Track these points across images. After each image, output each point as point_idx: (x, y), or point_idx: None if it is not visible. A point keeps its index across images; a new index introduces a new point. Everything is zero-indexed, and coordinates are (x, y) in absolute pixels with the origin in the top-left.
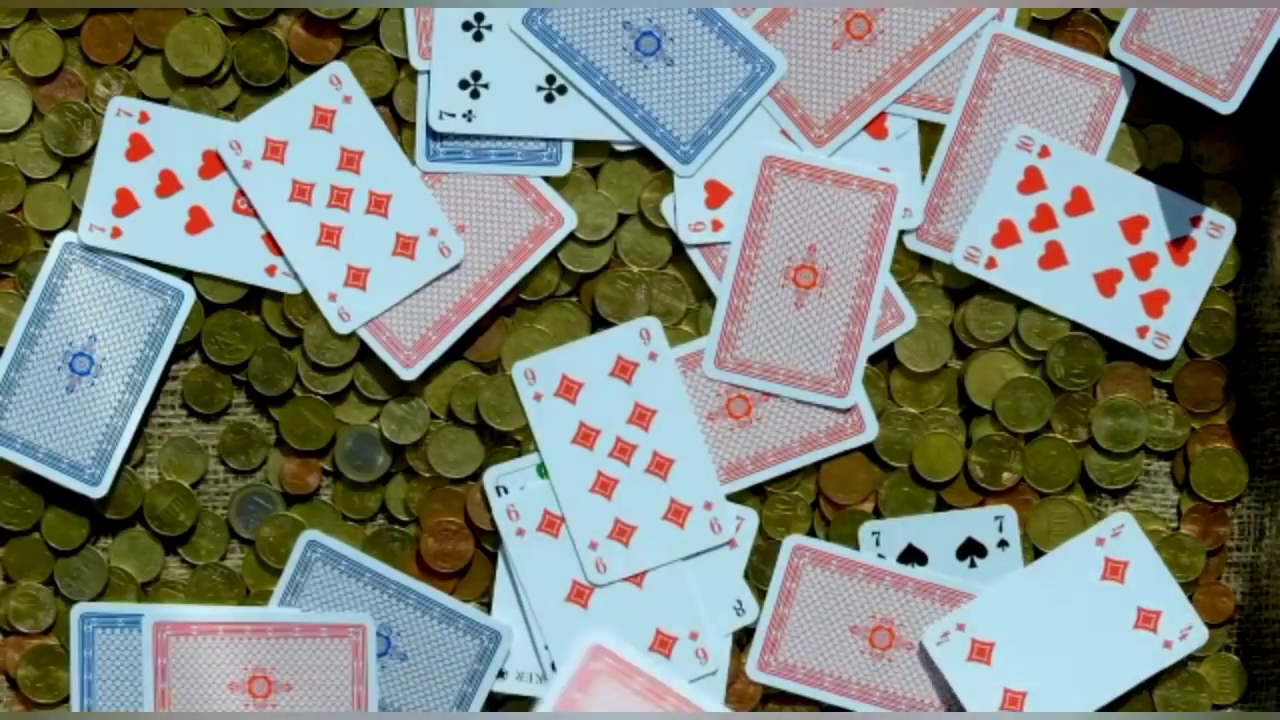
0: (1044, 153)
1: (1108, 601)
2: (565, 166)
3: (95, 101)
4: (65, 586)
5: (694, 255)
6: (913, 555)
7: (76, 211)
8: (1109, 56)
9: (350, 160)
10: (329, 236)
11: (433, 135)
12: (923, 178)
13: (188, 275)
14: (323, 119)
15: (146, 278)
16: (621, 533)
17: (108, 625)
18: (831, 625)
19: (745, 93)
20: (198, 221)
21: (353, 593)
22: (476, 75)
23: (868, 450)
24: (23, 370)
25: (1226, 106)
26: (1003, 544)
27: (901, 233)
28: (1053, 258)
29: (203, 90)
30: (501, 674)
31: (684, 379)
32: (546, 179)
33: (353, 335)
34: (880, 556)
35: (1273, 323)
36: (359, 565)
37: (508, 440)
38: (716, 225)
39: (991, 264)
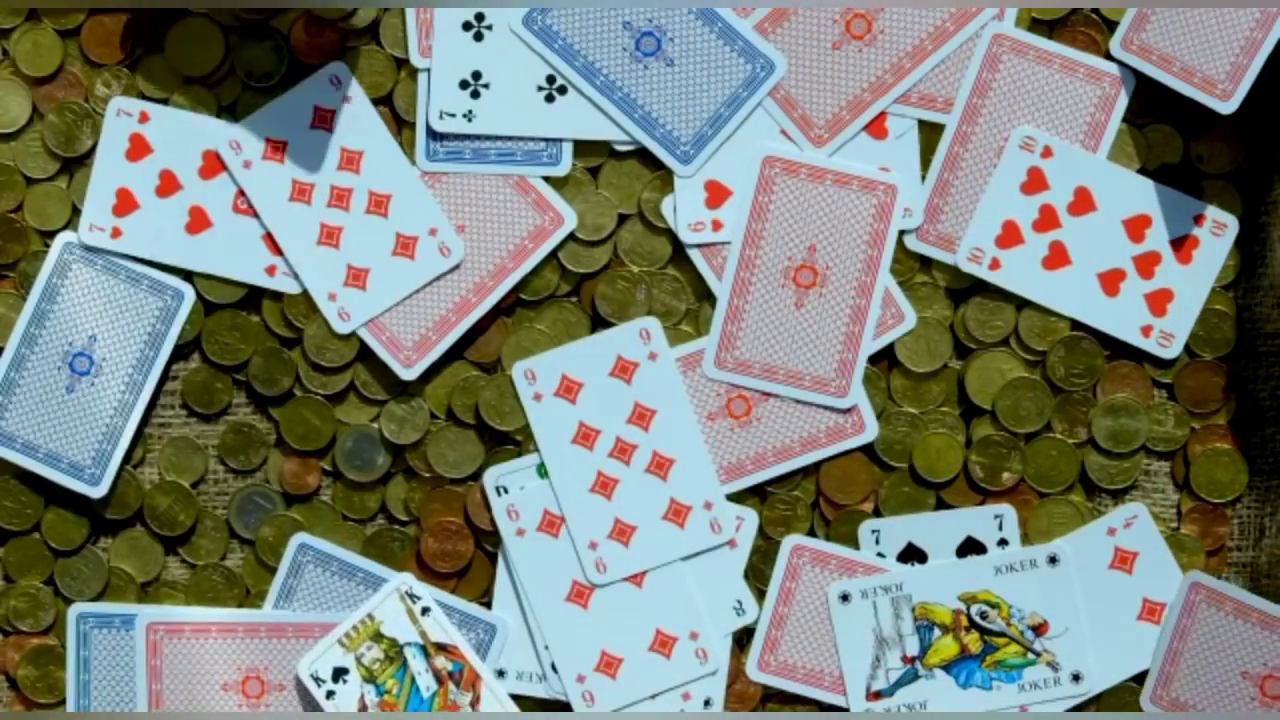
0: (1046, 153)
1: (1113, 591)
2: (565, 166)
3: (95, 101)
4: (65, 586)
5: (694, 255)
6: (912, 554)
7: (76, 211)
8: (1109, 56)
9: (350, 160)
10: (329, 236)
11: (433, 135)
12: (923, 178)
13: (188, 275)
14: (323, 119)
15: (146, 278)
16: (621, 533)
17: (104, 625)
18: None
19: (745, 93)
20: (198, 221)
21: (347, 594)
22: (477, 75)
23: (868, 450)
24: (23, 370)
25: (1226, 106)
26: (1002, 543)
27: (901, 233)
28: (1056, 258)
29: (203, 90)
30: (501, 674)
31: (684, 379)
32: (546, 179)
33: (353, 335)
34: (880, 555)
35: (1273, 323)
36: (351, 566)
37: (508, 440)
38: (716, 225)
39: (995, 265)
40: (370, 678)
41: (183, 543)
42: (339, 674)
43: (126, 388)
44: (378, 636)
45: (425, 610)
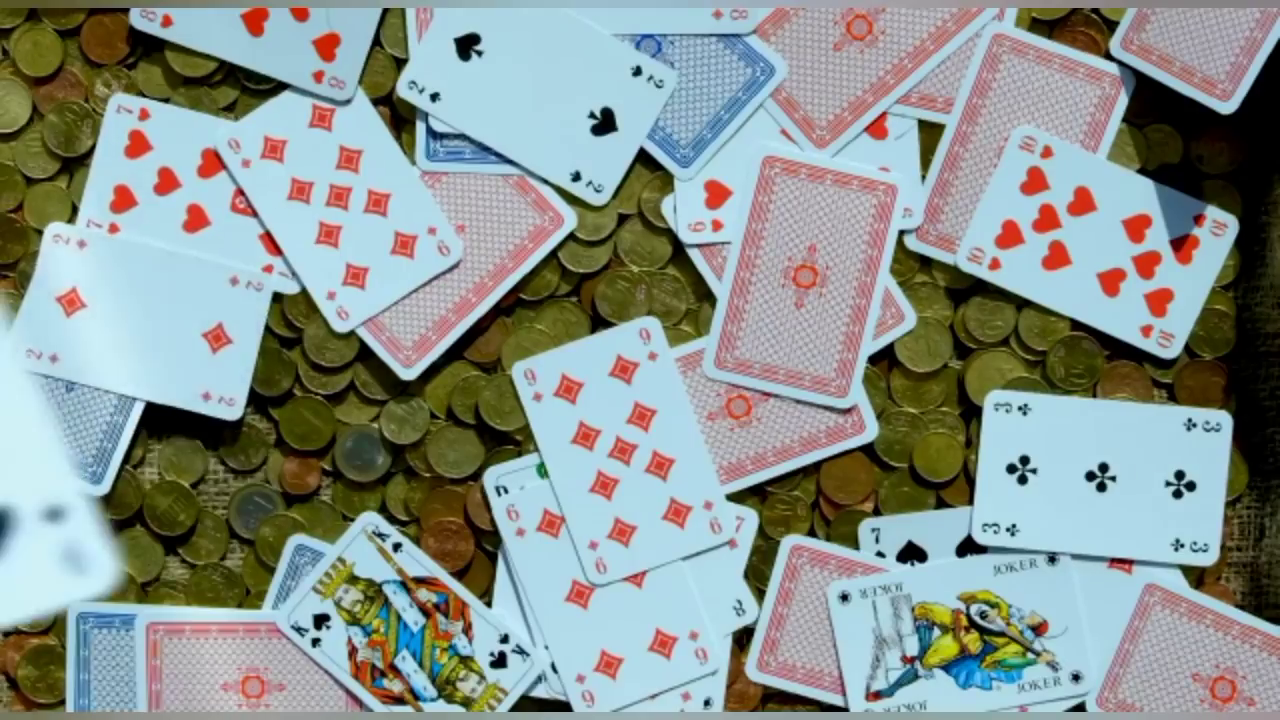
0: (1046, 153)
1: (1113, 590)
2: None
3: (95, 101)
4: None
5: (694, 255)
6: (912, 553)
7: (76, 211)
8: (1109, 56)
9: (349, 159)
10: (328, 235)
11: (433, 135)
12: (923, 178)
13: None
14: (322, 118)
15: None
16: (621, 533)
17: (104, 625)
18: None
19: (745, 96)
20: (196, 220)
21: None
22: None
23: (868, 450)
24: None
25: (1226, 106)
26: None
27: (901, 233)
28: (1056, 258)
29: (202, 90)
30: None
31: (684, 379)
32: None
33: (352, 335)
34: (880, 555)
35: (1273, 323)
36: None
37: (508, 440)
38: (716, 225)
39: (995, 265)
40: (354, 620)
41: (183, 543)
42: (320, 621)
43: None
44: (353, 579)
45: (396, 546)
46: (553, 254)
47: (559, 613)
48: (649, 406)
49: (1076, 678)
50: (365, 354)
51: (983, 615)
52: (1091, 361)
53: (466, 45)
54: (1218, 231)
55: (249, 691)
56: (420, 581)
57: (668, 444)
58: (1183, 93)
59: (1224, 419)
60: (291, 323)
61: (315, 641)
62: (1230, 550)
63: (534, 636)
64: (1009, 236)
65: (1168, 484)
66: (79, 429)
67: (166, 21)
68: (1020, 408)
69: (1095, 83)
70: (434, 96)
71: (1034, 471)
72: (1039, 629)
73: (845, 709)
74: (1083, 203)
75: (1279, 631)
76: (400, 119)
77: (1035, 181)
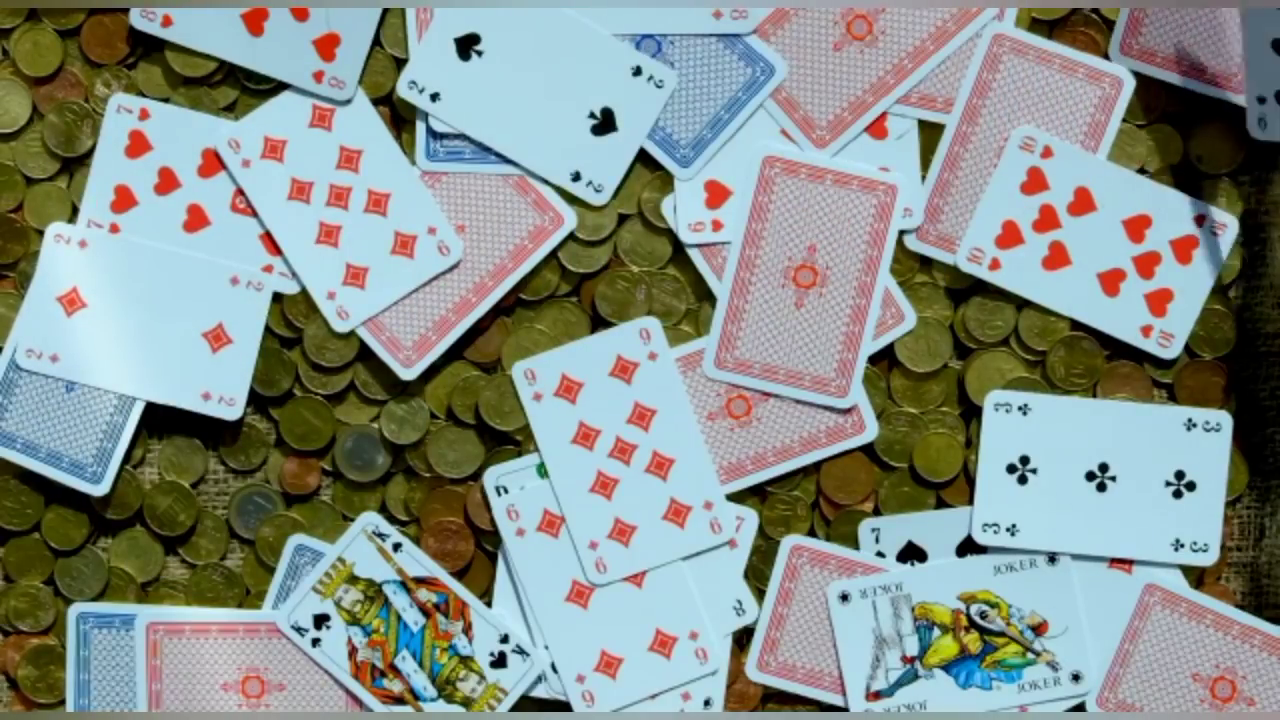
0: (1047, 153)
1: (1113, 590)
2: None
3: (95, 101)
4: (65, 586)
5: (694, 255)
6: (912, 553)
7: (76, 211)
8: (1109, 56)
9: (349, 159)
10: (328, 235)
11: (433, 135)
12: (923, 178)
13: None
14: (322, 118)
15: None
16: (621, 533)
17: (104, 625)
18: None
19: (745, 96)
20: (196, 220)
21: None
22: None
23: (868, 450)
24: (23, 370)
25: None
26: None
27: (901, 233)
28: (1056, 258)
29: (202, 90)
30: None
31: (684, 379)
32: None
33: (352, 335)
34: (880, 555)
35: (1273, 323)
36: None
37: (508, 440)
38: (716, 225)
39: (995, 265)
40: (354, 620)
41: (183, 543)
42: (320, 621)
43: None
44: (353, 579)
45: (396, 546)
46: (553, 254)
47: (559, 613)
48: (649, 406)
49: (1076, 678)
50: (365, 354)
51: (983, 615)
52: (1091, 361)
53: (466, 45)
54: (1218, 231)
55: (249, 691)
56: (420, 581)
57: (668, 444)
58: (1193, 91)
59: (1224, 419)
60: (291, 323)
61: (315, 641)
62: (1230, 550)
63: (534, 636)
64: (1009, 236)
65: (1168, 484)
66: (79, 429)
67: (166, 21)
68: (1020, 408)
69: (1095, 83)
70: (434, 96)
71: (1034, 471)
72: (1039, 629)
73: (845, 709)
74: (1083, 203)
75: (1279, 631)
76: (400, 119)
77: (1035, 181)
